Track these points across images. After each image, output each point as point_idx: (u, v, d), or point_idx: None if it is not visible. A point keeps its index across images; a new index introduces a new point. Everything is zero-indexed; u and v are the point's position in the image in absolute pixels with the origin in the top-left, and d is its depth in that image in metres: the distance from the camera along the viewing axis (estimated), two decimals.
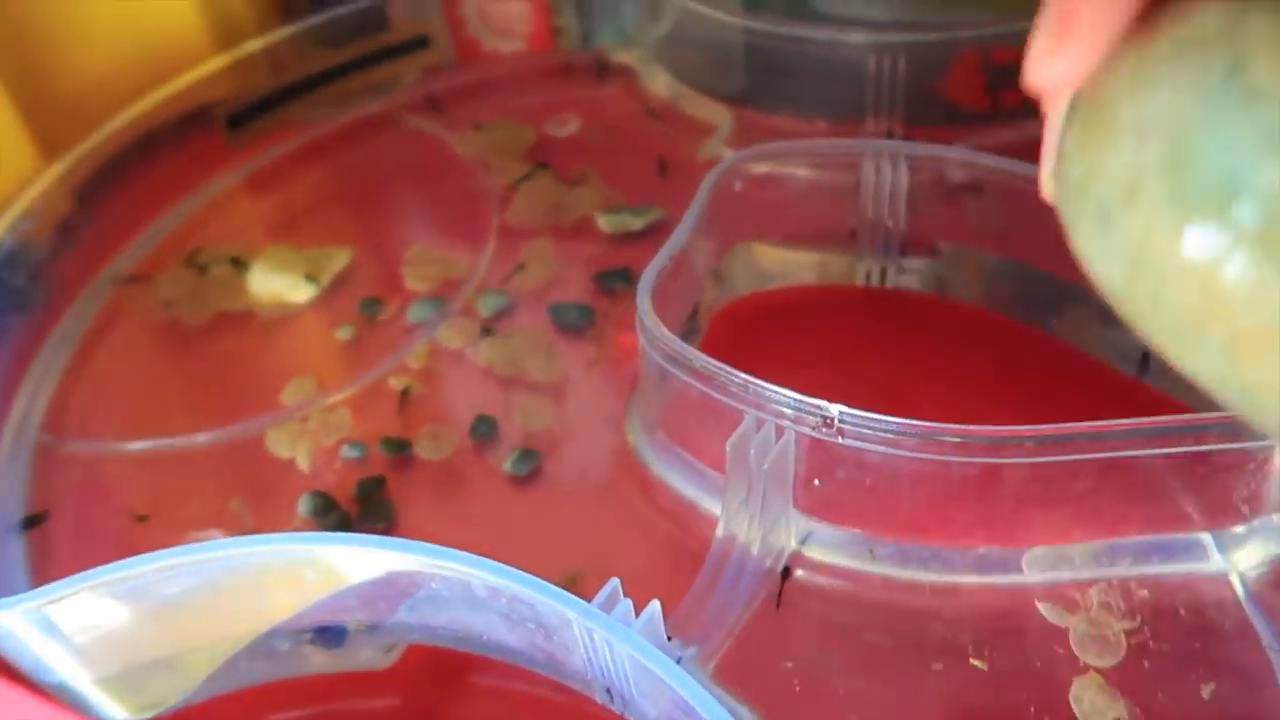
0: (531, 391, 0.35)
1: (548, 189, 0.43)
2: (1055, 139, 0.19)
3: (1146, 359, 0.34)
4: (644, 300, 0.29)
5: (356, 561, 0.23)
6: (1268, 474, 0.26)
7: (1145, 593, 0.27)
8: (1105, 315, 0.36)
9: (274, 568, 0.24)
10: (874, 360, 0.38)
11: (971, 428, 0.25)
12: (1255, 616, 0.27)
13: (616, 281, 0.39)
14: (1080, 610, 0.27)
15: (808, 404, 0.26)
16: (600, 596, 0.23)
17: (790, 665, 0.27)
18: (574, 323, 0.38)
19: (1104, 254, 0.17)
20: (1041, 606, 0.27)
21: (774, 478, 0.27)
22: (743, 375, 0.27)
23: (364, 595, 0.25)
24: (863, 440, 0.26)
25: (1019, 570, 0.27)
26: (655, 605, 0.23)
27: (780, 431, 0.27)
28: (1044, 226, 0.35)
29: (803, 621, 0.28)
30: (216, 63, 0.45)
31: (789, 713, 0.26)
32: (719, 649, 0.27)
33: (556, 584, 0.29)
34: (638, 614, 0.23)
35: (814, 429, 0.26)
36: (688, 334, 0.37)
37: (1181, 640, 0.27)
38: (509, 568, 0.22)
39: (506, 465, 0.33)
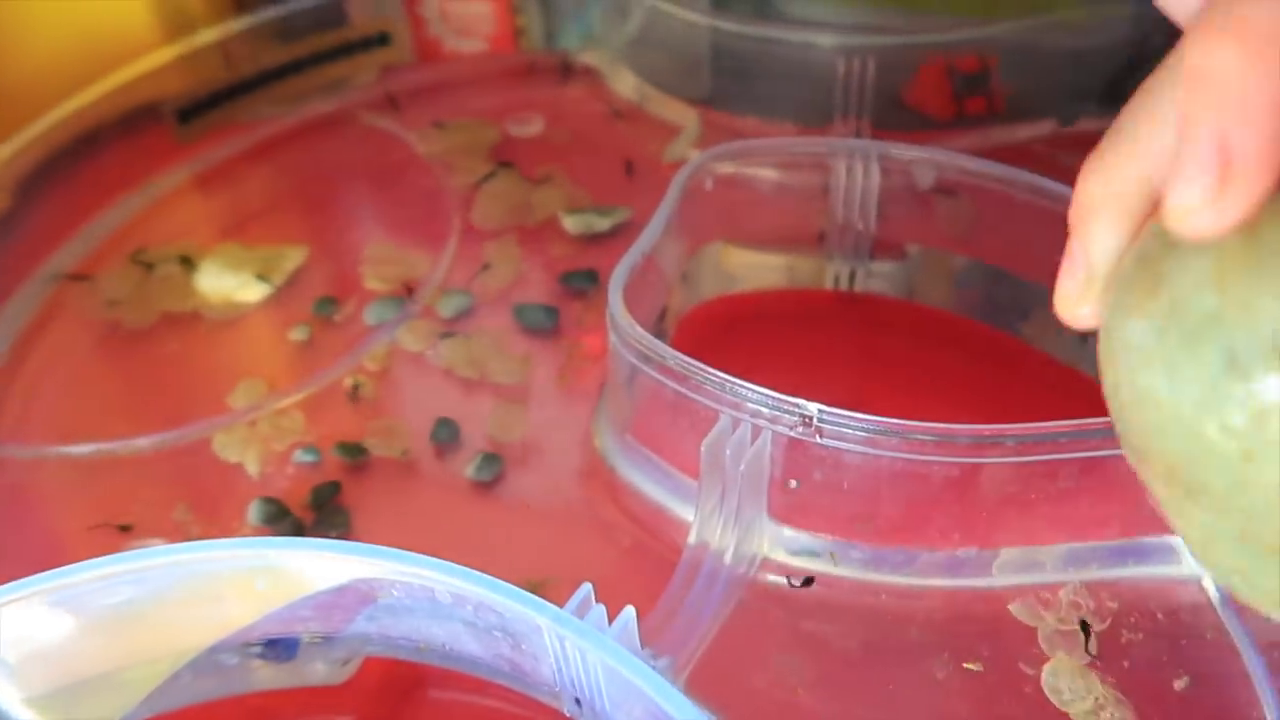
0: (494, 394, 0.34)
1: (512, 188, 0.42)
2: (1125, 257, 0.18)
3: None
4: (615, 297, 0.28)
5: (315, 568, 0.22)
6: None
7: (1114, 598, 0.27)
8: None
9: (223, 576, 0.22)
10: (842, 364, 0.37)
11: (953, 426, 0.25)
12: (1228, 618, 0.26)
13: (582, 282, 0.38)
14: (1050, 609, 0.26)
15: (786, 403, 0.25)
16: (572, 602, 0.22)
17: (762, 675, 0.26)
18: (539, 324, 0.36)
19: (1203, 404, 0.16)
20: (1012, 607, 0.26)
21: (749, 480, 0.26)
22: (720, 374, 0.26)
23: (321, 605, 0.23)
24: (841, 440, 0.25)
25: (991, 574, 0.27)
26: (630, 611, 0.22)
27: (757, 432, 0.26)
28: (1012, 230, 0.35)
29: (775, 630, 0.27)
30: (166, 55, 0.44)
31: None
32: (692, 659, 0.26)
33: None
34: (611, 621, 0.22)
35: (792, 429, 0.25)
36: (656, 336, 0.36)
37: (1154, 639, 0.26)
38: (477, 573, 0.21)
39: (469, 470, 0.32)
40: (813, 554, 0.28)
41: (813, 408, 0.25)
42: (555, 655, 0.22)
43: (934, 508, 0.26)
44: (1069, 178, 0.44)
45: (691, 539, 0.27)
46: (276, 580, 0.22)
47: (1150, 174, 0.17)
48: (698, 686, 0.26)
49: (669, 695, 0.19)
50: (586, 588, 0.22)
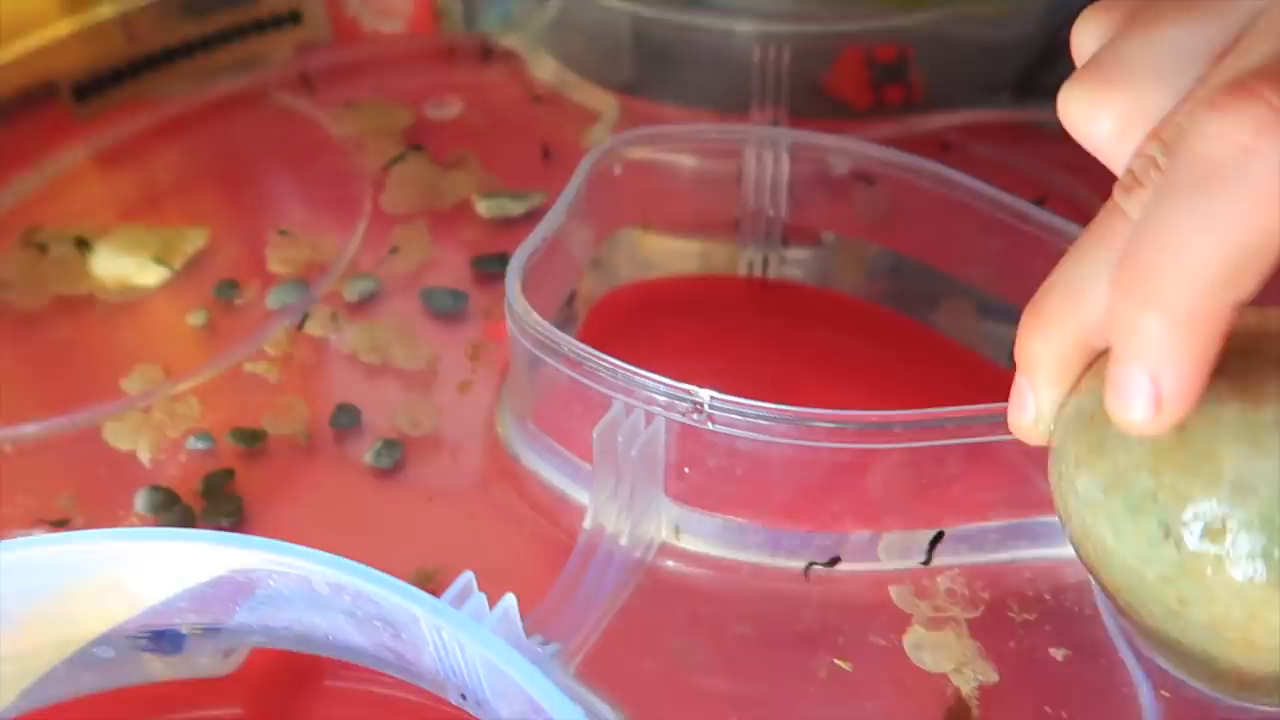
0: (398, 380, 0.34)
1: (423, 171, 0.41)
2: (1069, 401, 0.21)
3: None
4: (513, 283, 0.28)
5: (183, 559, 0.21)
6: None
7: (993, 583, 0.27)
8: (981, 308, 0.36)
9: (89, 568, 0.22)
10: (755, 350, 0.37)
11: (843, 413, 0.25)
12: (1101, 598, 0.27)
13: (494, 266, 0.37)
14: (927, 596, 0.26)
15: (678, 389, 0.25)
16: (450, 591, 0.22)
17: (658, 660, 0.26)
18: (447, 308, 0.36)
19: (1143, 557, 0.20)
20: (893, 591, 0.26)
21: (643, 466, 0.26)
22: (612, 360, 0.26)
23: (196, 596, 0.23)
24: (733, 426, 0.25)
25: (878, 558, 0.27)
26: (509, 599, 0.22)
27: (650, 418, 0.26)
28: (924, 220, 0.36)
29: (671, 614, 0.27)
30: (64, 29, 0.42)
31: (656, 710, 0.25)
32: (585, 645, 0.26)
33: (417, 580, 0.28)
34: (492, 609, 0.22)
35: (684, 415, 0.25)
36: (564, 322, 0.35)
37: (1041, 618, 0.27)
38: (350, 562, 0.21)
39: (368, 456, 0.31)
40: (721, 538, 0.28)
41: (704, 394, 0.25)
42: (435, 645, 0.21)
43: (828, 493, 0.26)
44: (982, 167, 0.45)
45: (587, 524, 0.27)
46: (146, 573, 0.22)
47: (1087, 335, 0.20)
48: (591, 671, 0.26)
49: (542, 686, 0.19)
50: (466, 576, 0.22)
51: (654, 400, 0.25)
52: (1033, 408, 0.21)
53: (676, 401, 0.25)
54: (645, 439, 0.25)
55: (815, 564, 0.27)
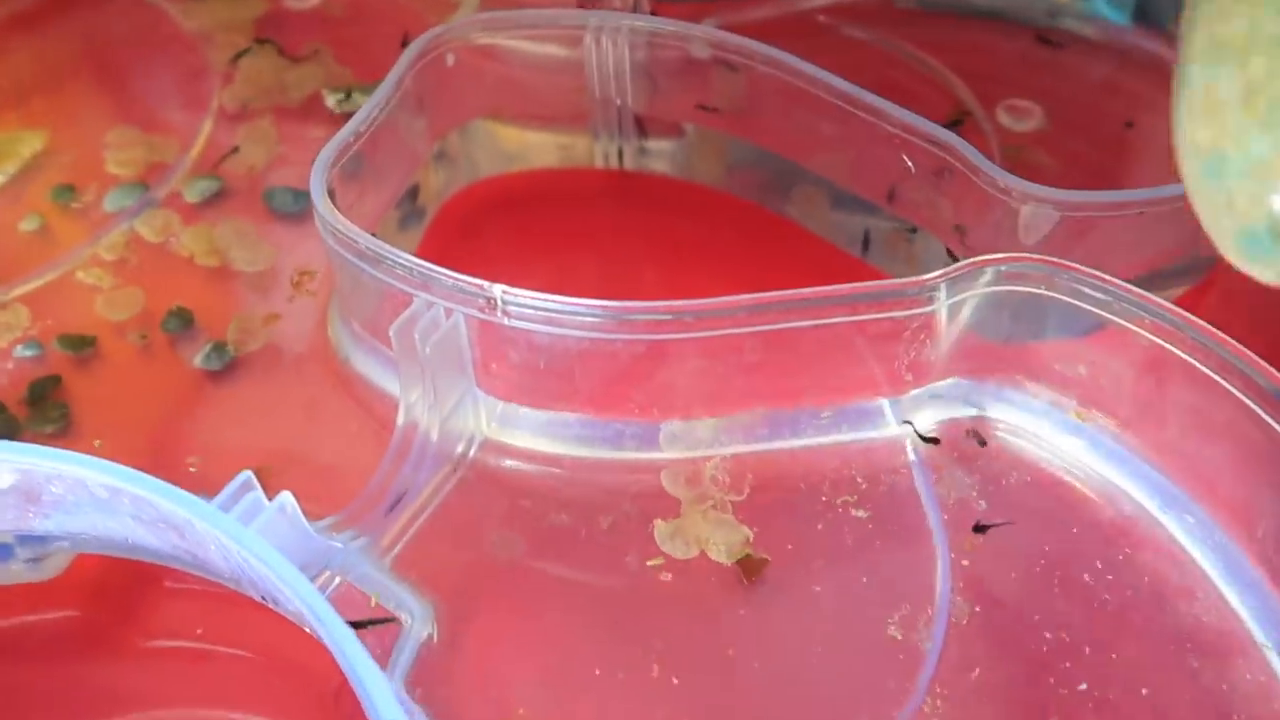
0: (235, 282, 0.33)
1: (270, 65, 0.40)
2: None
3: (867, 240, 0.35)
4: (317, 179, 0.27)
5: None
6: (925, 342, 0.27)
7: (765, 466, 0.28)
8: (833, 198, 0.36)
9: None
10: (614, 244, 0.37)
11: (630, 304, 0.25)
12: (919, 477, 0.28)
13: (346, 164, 0.37)
14: (697, 484, 0.27)
15: (470, 284, 0.25)
16: (224, 493, 0.22)
17: (476, 552, 0.27)
18: (290, 209, 0.35)
19: None
20: (663, 476, 0.27)
21: (443, 361, 0.26)
22: (407, 256, 0.25)
23: None
24: (527, 320, 0.25)
25: (694, 445, 0.27)
26: (284, 497, 0.22)
27: (449, 314, 0.26)
28: (778, 111, 0.35)
29: (492, 508, 0.28)
30: None
31: (471, 600, 0.26)
32: (401, 538, 0.27)
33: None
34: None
35: (480, 310, 0.25)
36: (407, 218, 0.35)
37: (857, 504, 0.27)
38: (115, 465, 0.21)
39: (198, 360, 0.31)
40: (537, 430, 0.28)
41: (496, 289, 0.25)
42: (216, 546, 0.22)
43: (631, 384, 0.26)
44: (853, 50, 0.44)
45: (399, 421, 0.27)
46: None
47: None
48: (407, 564, 0.26)
49: (302, 587, 0.19)
50: (244, 475, 0.22)
51: (451, 296, 0.25)
52: None
53: (470, 296, 0.25)
54: (442, 334, 0.25)
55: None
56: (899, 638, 0.25)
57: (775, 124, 0.35)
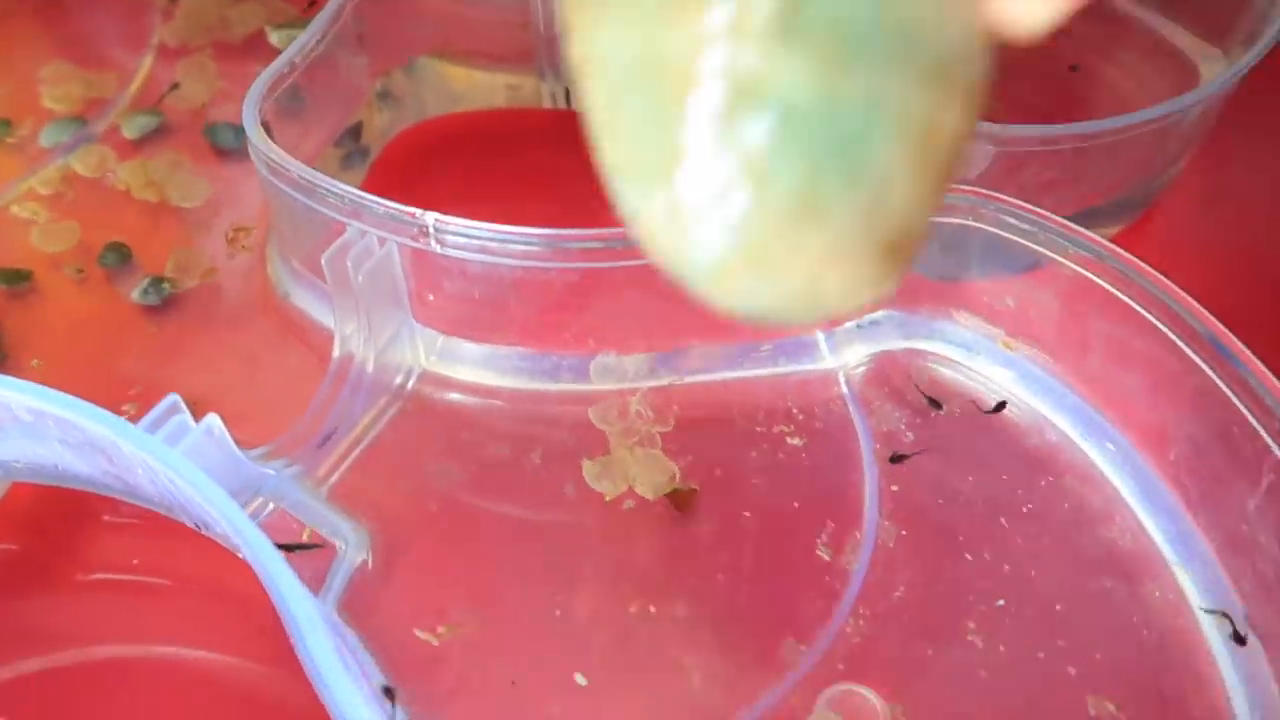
0: (173, 217, 0.33)
1: (212, 2, 0.39)
2: None
3: None
4: (249, 109, 0.27)
5: None
6: None
7: (723, 398, 0.28)
8: None
9: None
10: (560, 185, 0.37)
11: (563, 231, 0.25)
12: (853, 408, 0.28)
13: (287, 100, 0.36)
14: (624, 418, 0.27)
15: (403, 212, 0.25)
16: (149, 416, 0.22)
17: (412, 482, 0.27)
18: (232, 144, 0.35)
19: None
20: (591, 412, 0.27)
21: (376, 291, 0.26)
22: (340, 185, 0.25)
23: None
24: (460, 249, 0.25)
25: (628, 377, 0.28)
26: (211, 419, 0.22)
27: (383, 243, 0.26)
28: None
29: (428, 438, 0.28)
30: None
31: (406, 529, 0.26)
32: (338, 466, 0.27)
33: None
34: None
35: (413, 239, 0.25)
36: (350, 156, 0.35)
37: (793, 433, 0.28)
38: (37, 386, 0.21)
39: (135, 294, 0.31)
40: (476, 362, 0.29)
41: (429, 217, 0.25)
42: (144, 469, 0.22)
43: (564, 314, 0.27)
44: None
45: (335, 353, 0.27)
46: None
47: None
48: (343, 492, 0.26)
49: (221, 503, 0.20)
50: (170, 399, 0.22)
51: (383, 224, 0.25)
52: None
53: (403, 224, 0.25)
54: (375, 263, 0.25)
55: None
56: (827, 559, 0.26)
57: None
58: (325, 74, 0.31)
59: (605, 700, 0.24)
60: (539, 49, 0.36)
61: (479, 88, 0.38)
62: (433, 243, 0.25)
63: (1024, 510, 0.26)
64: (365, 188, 0.35)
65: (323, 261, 0.25)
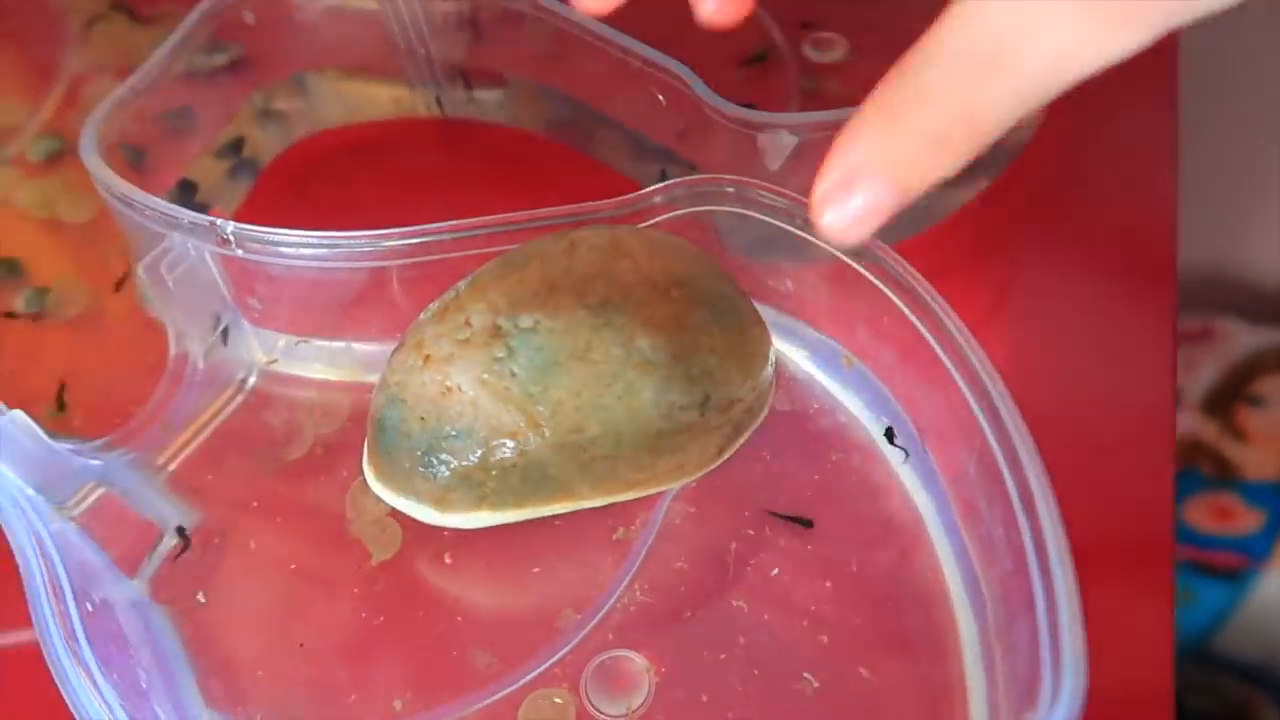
0: (62, 232, 0.36)
1: (122, 31, 0.42)
2: None
3: (663, 176, 0.36)
4: (87, 135, 0.30)
5: None
6: None
7: None
8: (633, 142, 0.37)
9: None
10: (442, 191, 0.39)
11: (341, 234, 0.27)
12: None
13: (181, 123, 0.39)
14: None
15: (203, 221, 0.27)
16: None
17: (246, 470, 0.29)
18: (133, 162, 0.38)
19: None
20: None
21: (193, 294, 0.28)
22: (151, 198, 0.28)
23: None
24: (259, 254, 0.27)
25: None
26: (15, 413, 0.25)
27: (196, 250, 0.28)
28: (577, 59, 0.36)
29: (263, 430, 0.30)
30: None
31: (236, 514, 0.29)
32: (178, 455, 0.29)
33: (47, 407, 0.31)
34: None
35: (220, 245, 0.27)
36: (236, 169, 0.37)
37: None
38: None
39: (19, 303, 0.34)
40: (300, 360, 0.31)
41: (228, 226, 0.27)
42: None
43: (366, 307, 0.29)
44: None
45: (171, 351, 0.30)
46: None
47: None
48: (181, 478, 0.29)
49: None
50: None
51: (192, 232, 0.28)
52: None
53: (208, 232, 0.27)
54: (186, 269, 0.28)
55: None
56: (617, 539, 0.27)
57: (572, 70, 0.36)
58: (193, 92, 0.34)
59: (388, 661, 0.26)
60: (401, 60, 0.38)
61: (366, 100, 0.40)
62: (234, 248, 0.27)
63: (808, 487, 0.28)
64: (250, 200, 0.38)
65: (140, 270, 0.28)
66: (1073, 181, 0.36)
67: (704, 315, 0.25)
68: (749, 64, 0.39)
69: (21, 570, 0.22)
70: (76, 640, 0.20)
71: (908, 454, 0.27)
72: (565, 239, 0.26)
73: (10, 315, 0.34)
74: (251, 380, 0.31)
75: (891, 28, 0.40)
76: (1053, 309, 0.33)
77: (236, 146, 0.37)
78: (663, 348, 0.24)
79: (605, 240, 0.25)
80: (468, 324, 0.24)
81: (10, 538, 0.22)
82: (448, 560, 0.27)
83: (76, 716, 0.20)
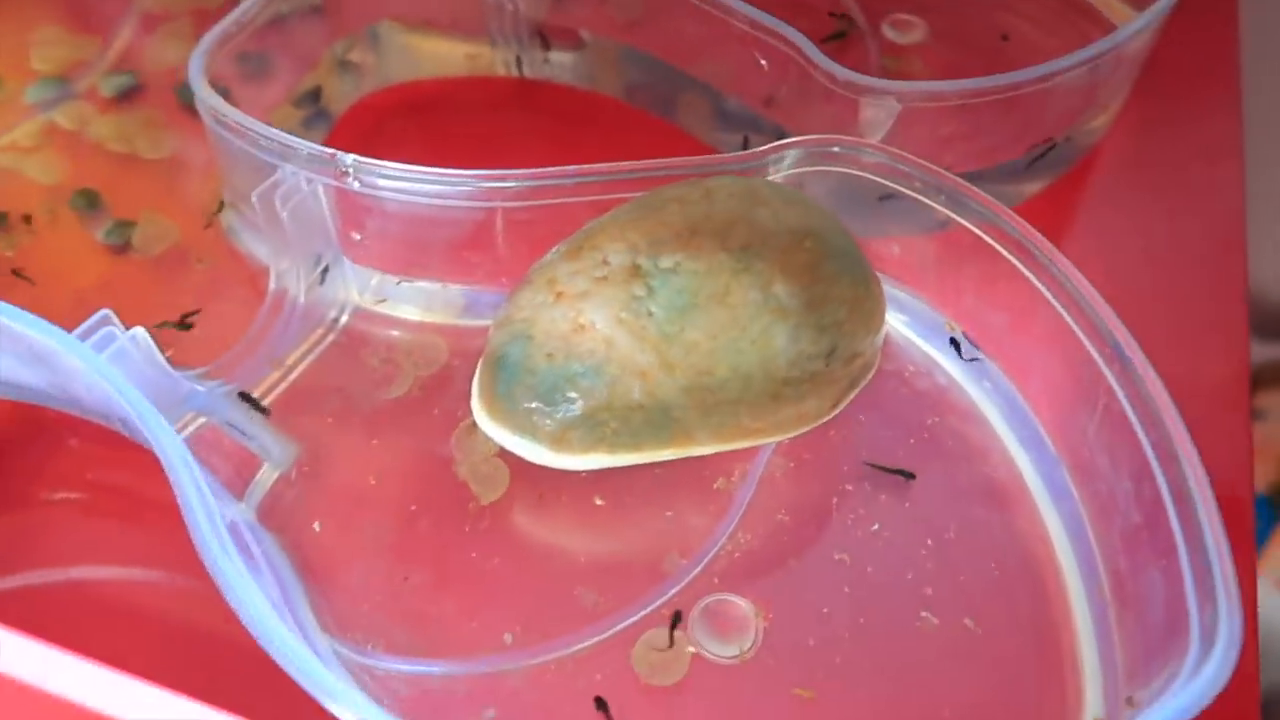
0: (140, 166, 0.35)
1: None
2: None
3: (746, 144, 0.37)
4: (195, 63, 0.29)
5: None
6: None
7: None
8: (716, 106, 0.38)
9: None
10: (514, 151, 0.39)
11: (465, 172, 0.27)
12: None
13: (253, 64, 0.39)
14: None
15: (323, 152, 0.27)
16: (82, 326, 0.24)
17: (341, 406, 0.29)
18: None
19: None
20: None
21: (303, 227, 0.28)
22: (267, 128, 0.27)
23: None
24: (377, 189, 0.27)
25: None
26: (137, 331, 0.24)
27: (309, 183, 0.28)
28: (668, 20, 0.37)
29: (358, 369, 0.30)
30: None
31: (331, 448, 0.28)
32: (270, 392, 0.29)
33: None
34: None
35: (336, 178, 0.27)
36: (311, 119, 0.37)
37: None
38: None
39: (100, 234, 0.33)
40: (397, 300, 0.31)
41: (348, 157, 0.27)
42: (80, 377, 0.24)
43: (474, 250, 0.29)
44: None
45: (270, 286, 0.30)
46: None
47: None
48: (279, 413, 0.29)
49: (131, 398, 0.22)
50: (102, 313, 0.24)
51: (307, 164, 0.27)
52: None
53: (326, 165, 0.27)
54: (300, 200, 0.28)
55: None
56: (718, 488, 0.28)
57: (661, 32, 0.37)
58: (278, 37, 0.34)
59: (495, 597, 0.26)
60: (488, 16, 0.38)
61: (439, 56, 0.40)
62: (352, 180, 0.27)
63: (907, 449, 0.28)
64: None
65: (253, 198, 0.28)
66: (1141, 178, 0.36)
67: (835, 267, 0.25)
68: (828, 41, 0.39)
69: (168, 470, 0.21)
70: (224, 545, 0.20)
71: (1008, 417, 0.28)
72: (700, 186, 0.26)
73: (93, 244, 0.33)
74: (344, 319, 0.31)
75: (966, 14, 0.41)
76: (1116, 297, 0.34)
77: (315, 96, 0.37)
78: (798, 295, 0.24)
79: (742, 188, 0.26)
80: (605, 262, 0.24)
81: (154, 443, 0.22)
82: (554, 502, 0.27)
83: (237, 610, 0.20)
